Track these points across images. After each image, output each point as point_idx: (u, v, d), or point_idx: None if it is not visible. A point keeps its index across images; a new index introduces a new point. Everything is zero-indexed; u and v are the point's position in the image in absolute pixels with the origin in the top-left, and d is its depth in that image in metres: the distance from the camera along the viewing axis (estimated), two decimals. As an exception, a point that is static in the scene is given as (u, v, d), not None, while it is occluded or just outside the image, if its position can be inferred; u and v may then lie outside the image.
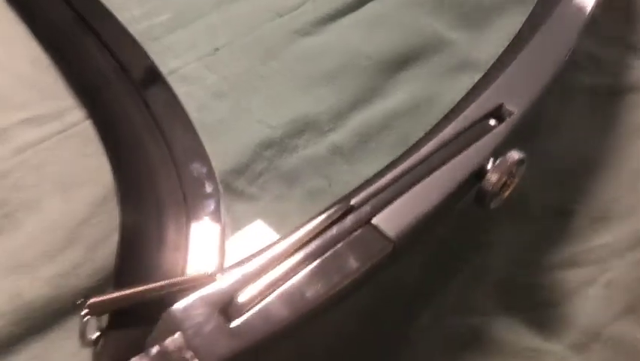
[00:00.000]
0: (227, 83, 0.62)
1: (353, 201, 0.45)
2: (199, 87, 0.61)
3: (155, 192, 0.50)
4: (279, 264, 0.42)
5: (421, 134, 0.60)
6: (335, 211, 0.44)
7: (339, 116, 0.61)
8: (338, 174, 0.57)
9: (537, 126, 0.61)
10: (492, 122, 0.50)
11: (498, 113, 0.50)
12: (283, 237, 0.45)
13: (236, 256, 0.45)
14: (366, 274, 0.42)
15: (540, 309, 0.51)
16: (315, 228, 0.43)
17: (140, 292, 0.42)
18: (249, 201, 0.55)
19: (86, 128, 0.58)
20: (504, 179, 0.46)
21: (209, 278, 0.43)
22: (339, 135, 0.60)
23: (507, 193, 0.48)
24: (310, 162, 0.58)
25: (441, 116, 0.61)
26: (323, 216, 0.44)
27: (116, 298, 0.42)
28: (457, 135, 0.49)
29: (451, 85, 0.64)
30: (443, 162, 0.47)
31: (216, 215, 0.49)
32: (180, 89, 0.59)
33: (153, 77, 0.61)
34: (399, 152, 0.59)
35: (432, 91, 0.64)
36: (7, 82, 0.60)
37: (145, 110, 0.58)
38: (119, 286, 0.46)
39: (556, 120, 0.62)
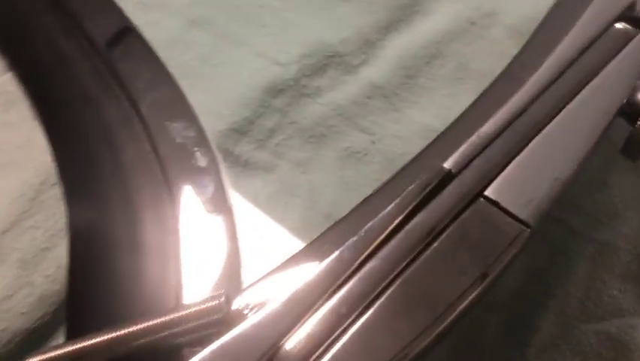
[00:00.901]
0: (208, 3, 0.43)
1: (447, 164, 0.27)
2: (168, 13, 0.42)
3: (119, 173, 0.32)
4: (347, 278, 0.25)
5: (487, 59, 0.43)
6: (425, 180, 0.27)
7: (371, 43, 0.43)
8: (384, 125, 0.40)
9: None
10: (621, 25, 0.33)
11: (630, 15, 0.33)
12: (337, 227, 0.27)
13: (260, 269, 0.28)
14: (494, 279, 0.25)
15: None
16: (395, 208, 0.26)
17: (110, 342, 0.25)
18: (259, 174, 0.37)
19: (4, 85, 0.39)
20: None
21: (229, 310, 0.26)
22: (376, 70, 0.42)
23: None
24: (341, 109, 0.40)
25: (512, 33, 0.44)
26: (406, 188, 0.27)
27: (66, 355, 0.24)
28: (577, 56, 0.32)
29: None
30: (569, 97, 0.30)
31: (218, 201, 0.32)
32: (140, 19, 0.40)
33: (101, 2, 0.41)
34: (461, 89, 0.42)
35: (488, 3, 0.46)
36: None
37: (92, 52, 0.39)
38: (74, 330, 0.28)
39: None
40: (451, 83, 0.43)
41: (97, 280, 0.30)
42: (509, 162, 0.27)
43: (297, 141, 0.38)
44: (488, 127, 0.28)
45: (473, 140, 0.28)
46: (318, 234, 0.27)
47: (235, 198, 0.32)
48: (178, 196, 0.32)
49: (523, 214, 0.26)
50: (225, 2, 0.43)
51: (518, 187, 0.27)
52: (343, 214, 0.27)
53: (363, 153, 0.39)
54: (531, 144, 0.28)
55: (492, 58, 0.43)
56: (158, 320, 0.26)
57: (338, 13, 0.44)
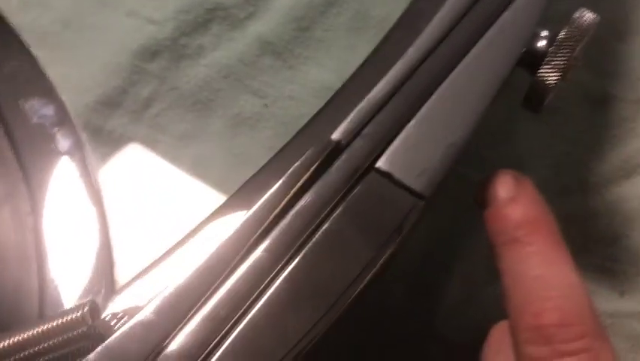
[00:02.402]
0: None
1: (335, 135, 0.24)
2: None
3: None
4: (228, 275, 0.22)
5: (387, 3, 0.40)
6: (312, 154, 0.24)
7: (259, -8, 0.39)
8: (276, 85, 0.36)
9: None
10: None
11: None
12: (224, 208, 0.24)
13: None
14: (390, 256, 0.23)
15: (601, 247, 0.35)
16: (281, 187, 0.23)
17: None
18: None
19: None
20: (570, 60, 0.27)
21: (98, 321, 0.22)
22: (265, 23, 0.38)
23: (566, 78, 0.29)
24: (228, 69, 0.36)
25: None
26: (292, 165, 0.24)
27: None
28: (472, 4, 0.29)
29: None
30: (462, 52, 0.27)
31: (84, 190, 0.28)
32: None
33: None
34: (360, 39, 0.39)
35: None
36: None
37: None
38: None
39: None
40: (349, 33, 0.39)
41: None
42: (401, 128, 0.25)
43: (179, 110, 0.34)
44: (377, 91, 0.25)
45: (362, 106, 0.25)
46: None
47: (107, 183, 0.28)
48: (36, 187, 0.28)
49: (417, 185, 0.24)
50: (89, -48, 0.38)
51: (411, 156, 0.24)
52: (232, 192, 0.24)
53: (255, 119, 0.35)
54: (423, 108, 0.25)
55: (391, 2, 0.40)
56: (15, 338, 0.22)
57: (220, -41, 0.39)
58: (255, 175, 0.25)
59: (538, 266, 0.24)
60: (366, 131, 0.25)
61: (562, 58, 0.26)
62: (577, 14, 0.27)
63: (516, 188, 0.26)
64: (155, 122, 0.34)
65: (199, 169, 0.33)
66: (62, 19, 0.35)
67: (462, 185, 0.35)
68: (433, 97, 0.25)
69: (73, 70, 0.34)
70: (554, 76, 0.27)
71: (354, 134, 0.24)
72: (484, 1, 0.29)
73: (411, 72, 0.26)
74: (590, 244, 0.35)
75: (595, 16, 0.28)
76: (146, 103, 0.34)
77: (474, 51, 0.27)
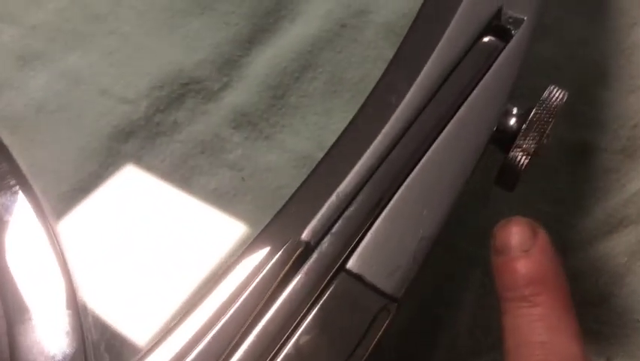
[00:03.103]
0: (38, 35, 0.37)
1: (305, 235, 0.24)
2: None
3: None
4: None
5: (362, 65, 0.40)
6: (281, 257, 0.23)
7: (232, 62, 0.39)
8: (253, 157, 0.36)
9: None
10: (488, 39, 0.30)
11: (498, 24, 0.31)
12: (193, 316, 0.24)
13: None
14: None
15: (588, 309, 0.35)
16: (249, 299, 0.23)
17: None
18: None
19: None
20: (544, 135, 0.27)
21: None
22: (240, 94, 0.38)
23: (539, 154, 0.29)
24: (204, 145, 0.36)
25: (386, 33, 0.41)
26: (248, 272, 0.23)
27: None
28: (443, 78, 0.29)
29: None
30: (433, 133, 0.27)
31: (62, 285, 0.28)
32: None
33: None
34: (336, 103, 0.39)
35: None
36: None
37: None
38: None
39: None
40: (325, 98, 0.39)
41: None
42: (371, 224, 0.24)
43: (156, 189, 0.34)
44: (346, 184, 0.25)
45: (332, 202, 0.25)
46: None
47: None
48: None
49: (389, 287, 0.23)
50: (65, 30, 0.38)
51: (382, 255, 0.24)
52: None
53: (232, 194, 0.35)
54: (393, 200, 0.25)
55: (367, 64, 0.40)
56: None
57: (192, 31, 0.39)
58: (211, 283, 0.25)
59: (542, 332, 0.24)
60: (335, 229, 0.24)
61: (532, 140, 0.26)
62: (546, 94, 0.27)
63: (531, 240, 0.25)
64: (132, 204, 0.34)
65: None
66: (36, 103, 0.35)
67: (443, 252, 0.35)
68: (402, 188, 0.25)
69: (48, 156, 0.33)
70: (525, 157, 0.26)
71: (323, 233, 0.24)
72: (455, 77, 0.29)
73: (379, 162, 0.26)
74: (575, 306, 0.34)
75: (563, 93, 0.27)
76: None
77: (444, 135, 0.27)
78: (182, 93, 0.37)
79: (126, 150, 0.34)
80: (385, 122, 0.27)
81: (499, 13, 0.30)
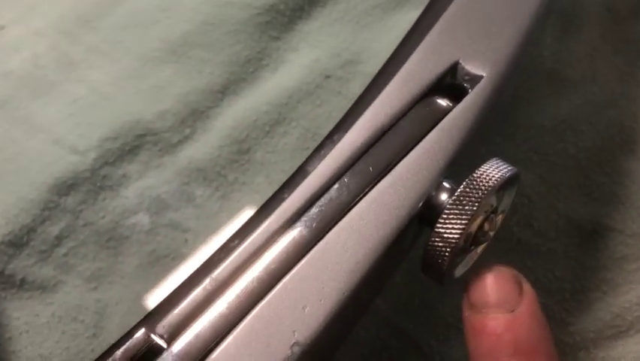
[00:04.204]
0: (9, 82, 0.37)
1: (159, 330, 0.21)
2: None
3: None
4: None
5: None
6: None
7: (198, 113, 0.36)
8: (202, 218, 0.33)
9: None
10: (441, 100, 0.25)
11: (452, 82, 0.26)
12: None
13: None
14: None
15: None
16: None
17: None
18: (36, 295, 0.31)
19: None
20: (479, 222, 0.22)
21: None
22: (201, 147, 0.35)
23: (489, 239, 0.24)
24: (150, 201, 0.33)
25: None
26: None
27: None
28: (366, 144, 0.24)
29: (382, 32, 0.39)
30: (345, 206, 0.23)
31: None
32: None
33: None
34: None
35: (353, 46, 0.39)
36: None
37: None
38: None
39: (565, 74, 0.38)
40: (295, 155, 0.35)
41: None
42: (237, 323, 0.20)
43: (91, 247, 0.32)
44: (220, 272, 0.21)
45: (197, 294, 0.21)
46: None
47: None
48: None
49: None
50: (36, 77, 0.37)
51: None
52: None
53: (171, 257, 0.32)
54: (266, 299, 0.21)
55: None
56: None
57: (161, 79, 0.37)
58: None
59: None
60: (197, 325, 0.21)
61: (454, 229, 0.21)
62: (480, 171, 0.22)
63: (517, 298, 0.20)
64: (63, 261, 0.32)
65: (101, 317, 0.30)
66: (-11, 148, 0.35)
67: (396, 341, 0.30)
68: (287, 278, 0.21)
69: (-12, 205, 0.32)
70: (446, 250, 0.21)
71: (178, 331, 0.20)
72: (384, 142, 0.24)
73: (263, 243, 0.22)
74: None
75: (508, 170, 0.22)
76: (56, 242, 0.32)
77: (354, 211, 0.22)
78: (136, 145, 0.35)
79: (66, 203, 0.33)
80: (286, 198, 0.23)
81: (454, 67, 0.26)
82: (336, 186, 0.23)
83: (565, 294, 0.31)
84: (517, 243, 0.32)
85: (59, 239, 0.32)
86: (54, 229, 0.32)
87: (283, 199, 0.23)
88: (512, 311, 0.20)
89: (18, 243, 0.31)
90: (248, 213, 0.33)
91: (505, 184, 0.22)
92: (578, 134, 0.35)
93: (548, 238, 0.32)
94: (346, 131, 0.25)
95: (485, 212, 0.22)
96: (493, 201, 0.22)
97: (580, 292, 0.31)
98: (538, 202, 0.33)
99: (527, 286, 0.21)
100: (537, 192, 0.33)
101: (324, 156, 0.24)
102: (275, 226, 0.22)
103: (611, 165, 0.34)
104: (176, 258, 0.32)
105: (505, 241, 0.32)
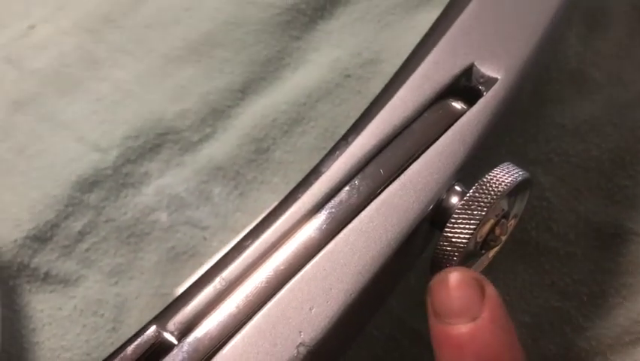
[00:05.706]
0: (35, 80, 0.38)
1: (170, 327, 0.21)
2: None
3: None
4: None
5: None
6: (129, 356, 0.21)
7: (219, 112, 0.37)
8: (221, 215, 0.33)
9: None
10: (455, 103, 0.25)
11: (466, 84, 0.26)
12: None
13: None
14: None
15: None
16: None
17: None
18: (58, 289, 0.32)
19: None
20: (489, 226, 0.22)
21: None
22: (221, 146, 0.36)
23: (500, 243, 0.24)
24: (170, 199, 0.34)
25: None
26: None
27: None
28: (378, 146, 0.24)
29: (403, 31, 0.39)
30: (356, 209, 0.23)
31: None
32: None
33: None
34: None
35: (374, 45, 0.39)
36: None
37: None
38: None
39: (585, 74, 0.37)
40: (313, 154, 0.36)
41: None
42: (246, 322, 0.21)
43: (113, 243, 0.33)
44: (231, 272, 0.22)
45: (207, 293, 0.21)
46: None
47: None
48: None
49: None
50: (62, 75, 0.38)
51: None
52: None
53: (189, 254, 0.33)
54: (275, 299, 0.21)
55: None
56: None
57: (183, 78, 0.37)
58: None
59: None
60: (206, 323, 0.21)
61: (462, 233, 0.21)
62: (490, 175, 0.22)
63: (479, 304, 0.19)
64: (85, 257, 0.32)
65: (120, 312, 0.31)
66: (19, 146, 0.36)
67: (416, 344, 0.30)
68: (294, 280, 0.21)
69: (16, 201, 0.33)
70: (454, 254, 0.21)
71: (188, 329, 0.21)
72: (397, 144, 0.24)
73: (273, 246, 0.22)
74: None
75: (519, 175, 0.22)
76: (78, 237, 0.33)
77: (366, 212, 0.23)
78: (157, 144, 0.35)
79: (89, 200, 0.33)
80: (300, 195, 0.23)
81: (469, 70, 0.25)
82: (346, 188, 0.23)
83: (583, 298, 0.30)
84: (536, 246, 0.32)
85: (82, 235, 0.33)
86: (77, 225, 0.33)
87: (296, 200, 0.23)
88: (475, 319, 0.19)
89: (42, 238, 0.32)
90: (265, 212, 0.34)
91: (517, 189, 0.22)
92: (602, 135, 0.35)
93: (567, 241, 0.32)
94: (360, 132, 0.25)
95: (496, 216, 0.22)
96: (505, 205, 0.22)
97: (598, 297, 0.30)
98: (557, 204, 0.33)
99: (490, 290, 0.20)
100: (557, 195, 0.33)
101: (338, 157, 0.24)
102: (285, 227, 0.22)
103: (636, 168, 0.33)
104: (195, 255, 0.33)
105: (522, 244, 0.32)
